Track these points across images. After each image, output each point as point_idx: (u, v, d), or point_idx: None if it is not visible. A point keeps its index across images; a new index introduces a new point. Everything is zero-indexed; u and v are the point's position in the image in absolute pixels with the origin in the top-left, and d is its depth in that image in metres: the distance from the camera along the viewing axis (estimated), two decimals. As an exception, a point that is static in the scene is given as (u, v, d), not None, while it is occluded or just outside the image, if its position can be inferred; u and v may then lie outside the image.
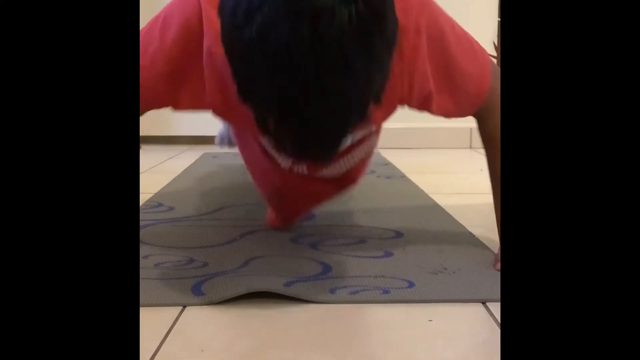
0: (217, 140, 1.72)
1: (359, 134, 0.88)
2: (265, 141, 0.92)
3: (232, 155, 1.98)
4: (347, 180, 1.01)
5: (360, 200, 1.28)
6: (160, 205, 1.23)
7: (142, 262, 0.84)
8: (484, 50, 0.88)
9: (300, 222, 1.07)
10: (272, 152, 0.93)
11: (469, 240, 0.97)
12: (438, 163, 1.65)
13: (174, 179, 1.53)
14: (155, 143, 2.21)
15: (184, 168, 1.70)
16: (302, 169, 0.94)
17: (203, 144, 2.28)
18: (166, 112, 0.92)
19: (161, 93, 0.80)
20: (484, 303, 0.72)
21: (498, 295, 0.72)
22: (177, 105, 0.83)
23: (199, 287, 0.75)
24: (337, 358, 0.59)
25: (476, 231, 1.00)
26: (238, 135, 1.07)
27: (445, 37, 0.80)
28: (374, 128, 0.91)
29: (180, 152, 2.06)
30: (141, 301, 0.69)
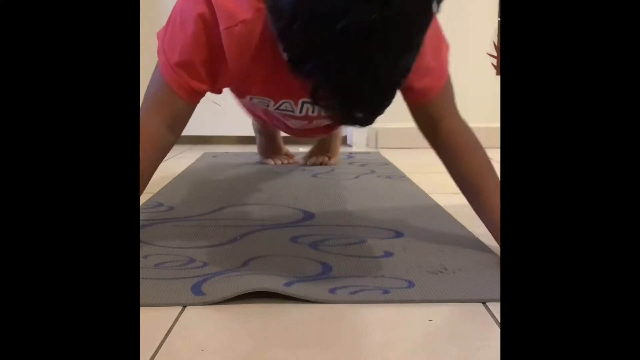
0: None
1: None
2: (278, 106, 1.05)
3: (232, 155, 1.99)
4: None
5: (361, 200, 1.28)
6: (160, 205, 1.23)
7: (142, 262, 0.84)
8: (447, 55, 0.95)
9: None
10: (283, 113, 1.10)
11: (469, 240, 0.97)
12: (438, 163, 1.64)
13: (174, 179, 1.53)
14: (155, 143, 2.21)
15: (184, 168, 1.70)
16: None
17: (203, 144, 2.28)
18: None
19: (202, 78, 0.88)
20: (484, 303, 0.72)
21: (498, 295, 0.72)
22: (214, 88, 0.92)
23: (199, 287, 0.75)
24: (337, 358, 0.59)
25: (476, 231, 1.00)
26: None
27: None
28: None
29: (180, 151, 2.06)
30: (141, 301, 0.69)
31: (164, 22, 0.93)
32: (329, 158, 1.76)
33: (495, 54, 2.22)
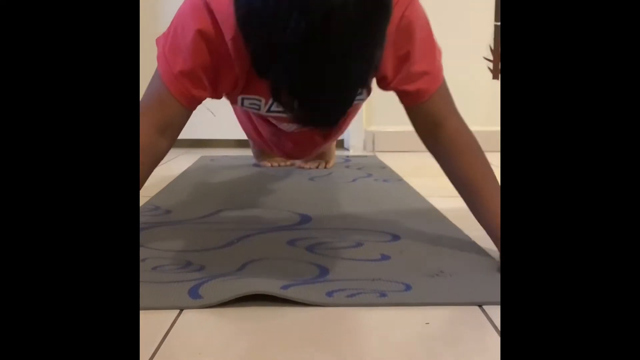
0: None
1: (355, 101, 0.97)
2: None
3: (230, 158, 1.99)
4: (333, 131, 1.33)
5: (357, 204, 1.28)
6: (157, 208, 1.23)
7: (140, 266, 0.84)
8: (440, 59, 0.96)
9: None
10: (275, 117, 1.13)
11: (466, 243, 0.97)
12: (435, 166, 1.65)
13: (171, 182, 1.53)
14: (153, 146, 2.21)
15: (181, 171, 1.70)
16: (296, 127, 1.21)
17: (200, 147, 2.28)
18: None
19: (205, 86, 0.90)
20: (480, 306, 0.72)
21: (495, 298, 0.72)
22: (216, 94, 0.94)
23: (196, 290, 0.75)
24: (334, 361, 0.60)
25: (473, 234, 1.00)
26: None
27: (413, 34, 0.90)
28: (366, 96, 1.03)
29: (178, 155, 2.06)
30: (138, 304, 0.69)
31: (164, 26, 0.94)
32: (326, 162, 1.76)
33: (492, 58, 2.23)
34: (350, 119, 1.32)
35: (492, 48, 2.25)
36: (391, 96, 0.97)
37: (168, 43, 0.90)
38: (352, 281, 0.79)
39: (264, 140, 1.43)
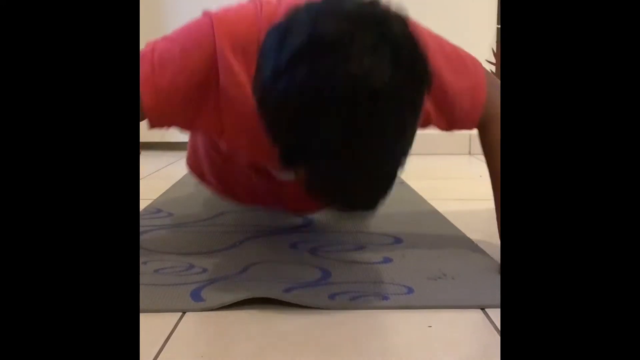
0: None
1: None
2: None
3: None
4: None
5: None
6: (159, 211, 1.23)
7: (142, 268, 0.84)
8: (478, 63, 0.89)
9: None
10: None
11: (467, 246, 0.97)
12: (437, 169, 1.64)
13: (173, 185, 1.53)
14: (155, 149, 2.21)
15: (183, 174, 1.70)
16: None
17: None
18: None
19: (177, 111, 0.81)
20: (483, 309, 0.72)
21: (497, 301, 0.72)
22: (190, 127, 0.85)
23: (198, 293, 0.75)
24: (337, 364, 0.60)
25: (475, 237, 1.00)
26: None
27: (435, 61, 0.78)
28: None
29: (180, 158, 2.06)
30: (141, 307, 0.69)
31: (164, 26, 0.92)
32: None
33: (494, 60, 2.23)
34: None
35: (495, 51, 2.25)
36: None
37: (165, 48, 0.81)
38: (354, 284, 0.79)
39: (233, 188, 1.16)
